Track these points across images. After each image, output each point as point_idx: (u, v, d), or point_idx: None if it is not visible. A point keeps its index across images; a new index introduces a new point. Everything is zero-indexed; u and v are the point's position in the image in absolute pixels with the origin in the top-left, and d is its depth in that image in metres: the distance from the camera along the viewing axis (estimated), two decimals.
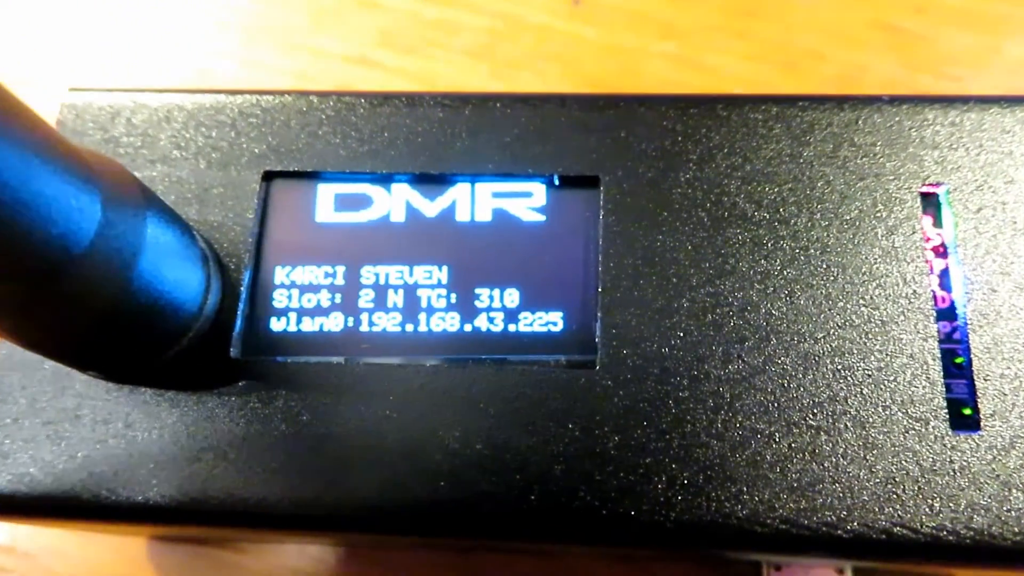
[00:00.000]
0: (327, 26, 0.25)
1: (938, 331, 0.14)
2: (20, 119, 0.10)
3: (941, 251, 0.15)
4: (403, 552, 0.19)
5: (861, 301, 0.14)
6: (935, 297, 0.14)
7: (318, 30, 0.25)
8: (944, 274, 0.15)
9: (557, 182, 0.16)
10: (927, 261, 0.15)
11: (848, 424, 0.14)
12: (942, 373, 0.14)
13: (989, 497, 0.13)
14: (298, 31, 0.25)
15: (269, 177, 0.16)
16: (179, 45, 0.25)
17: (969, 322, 0.14)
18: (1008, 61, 0.23)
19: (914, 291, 0.14)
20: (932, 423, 0.14)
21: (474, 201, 0.16)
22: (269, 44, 0.25)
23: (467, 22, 0.25)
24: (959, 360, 0.14)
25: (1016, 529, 0.13)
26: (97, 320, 0.13)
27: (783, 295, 0.14)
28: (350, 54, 0.25)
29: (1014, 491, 0.13)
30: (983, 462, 0.13)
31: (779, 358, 0.14)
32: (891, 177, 0.15)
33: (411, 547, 0.17)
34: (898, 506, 0.13)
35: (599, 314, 0.15)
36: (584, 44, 0.24)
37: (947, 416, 0.14)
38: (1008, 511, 0.13)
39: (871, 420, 0.14)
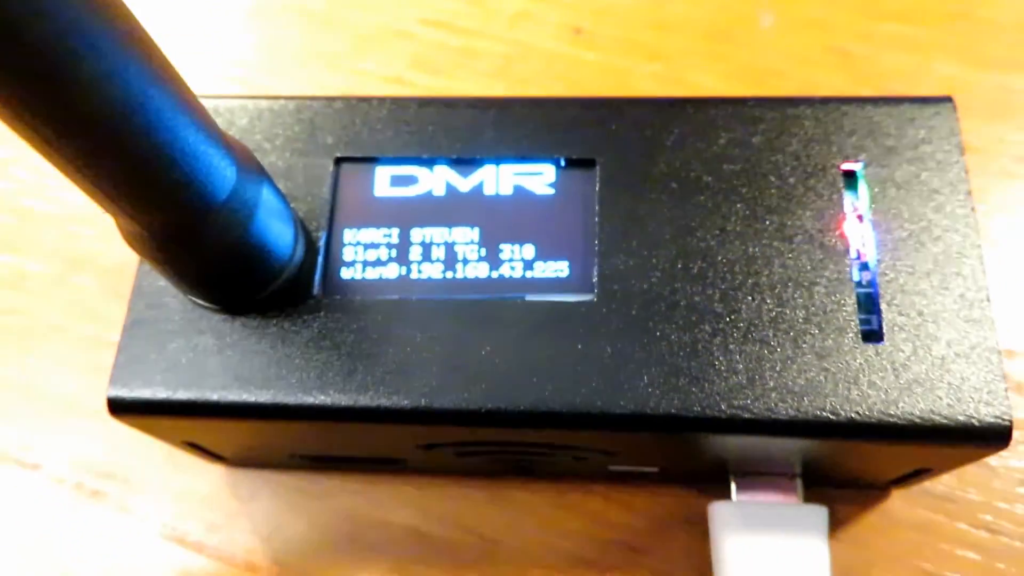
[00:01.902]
0: (367, 51, 0.30)
1: (856, 277, 0.19)
2: (191, 94, 0.15)
3: (858, 215, 0.19)
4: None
5: (798, 250, 0.19)
6: (855, 253, 0.19)
7: (359, 55, 0.30)
8: (861, 233, 0.19)
9: (563, 164, 0.20)
10: (846, 219, 0.19)
11: (786, 338, 0.18)
12: (856, 306, 0.18)
13: (885, 388, 0.17)
14: (342, 55, 0.30)
15: (339, 162, 0.21)
16: (241, 66, 0.30)
17: (879, 270, 0.18)
18: (937, 77, 0.28)
19: (836, 245, 0.19)
20: (848, 336, 0.18)
21: (499, 179, 0.20)
22: (318, 65, 0.30)
23: (485, 48, 0.30)
24: (869, 295, 0.18)
25: (904, 410, 0.17)
26: (223, 258, 0.17)
27: (736, 244, 0.19)
28: (387, 75, 0.29)
29: (902, 381, 0.17)
30: (884, 363, 0.18)
31: (732, 290, 0.18)
32: (820, 157, 0.20)
33: (451, 457, 0.21)
34: (822, 396, 0.17)
35: (596, 261, 0.19)
36: (584, 65, 0.29)
37: (859, 332, 0.18)
38: (898, 398, 0.17)
39: (804, 335, 0.18)
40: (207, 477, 0.24)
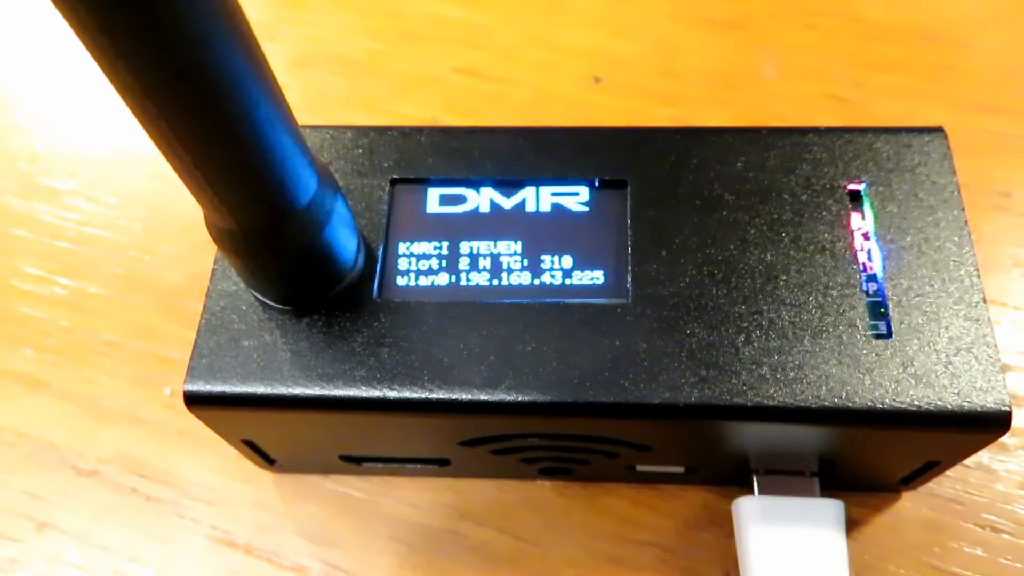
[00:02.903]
0: (405, 96, 0.33)
1: (865, 287, 0.21)
2: (288, 108, 0.17)
3: (865, 231, 0.21)
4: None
5: (811, 259, 0.21)
6: (862, 264, 0.21)
7: (398, 98, 0.32)
8: (867, 246, 0.21)
9: (597, 184, 0.22)
10: (854, 236, 0.21)
11: (803, 335, 0.20)
12: (866, 308, 0.20)
13: (894, 379, 0.19)
14: (382, 100, 0.32)
15: (394, 183, 0.23)
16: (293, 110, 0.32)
17: (885, 276, 0.21)
18: (925, 121, 0.30)
19: (845, 254, 0.21)
20: (860, 333, 0.20)
21: (538, 198, 0.22)
22: (361, 109, 0.32)
23: (512, 94, 0.32)
24: (878, 302, 0.20)
25: (912, 399, 0.19)
26: (298, 258, 0.19)
27: (755, 254, 0.21)
28: (423, 116, 0.32)
29: (910, 373, 0.19)
30: (893, 358, 0.19)
31: (753, 294, 0.20)
32: (827, 179, 0.22)
33: (490, 455, 0.23)
34: (838, 386, 0.19)
35: (629, 269, 0.21)
36: (603, 110, 0.32)
37: (870, 330, 0.20)
38: (907, 388, 0.19)
39: (820, 333, 0.20)
40: (257, 483, 0.26)
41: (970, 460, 0.25)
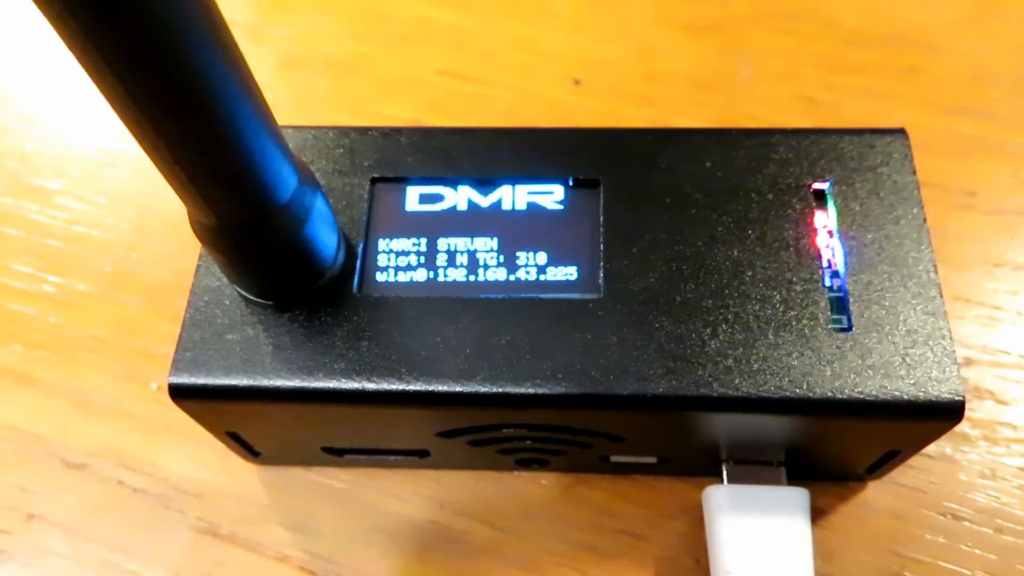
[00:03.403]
0: (389, 97, 0.33)
1: (827, 282, 0.21)
2: (268, 107, 0.18)
3: (828, 228, 0.22)
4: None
5: (776, 255, 0.22)
6: (825, 260, 0.22)
7: (382, 100, 0.33)
8: (830, 243, 0.22)
9: (571, 183, 0.23)
10: (818, 233, 0.22)
11: (767, 328, 0.21)
12: (828, 302, 0.21)
13: (854, 371, 0.20)
14: (366, 101, 0.33)
15: (374, 182, 0.23)
16: (276, 110, 0.33)
17: (847, 272, 0.21)
18: (894, 122, 0.31)
19: (809, 250, 0.22)
20: (822, 327, 0.21)
21: (514, 196, 0.23)
22: (345, 110, 0.33)
23: (494, 95, 0.33)
24: (840, 297, 0.21)
25: (871, 389, 0.20)
26: (279, 253, 0.20)
27: (722, 250, 0.22)
28: (407, 118, 0.33)
29: (869, 364, 0.20)
30: (853, 350, 0.20)
31: (720, 288, 0.21)
32: (793, 178, 0.23)
33: (467, 445, 0.24)
34: (800, 377, 0.20)
35: (601, 265, 0.22)
36: (583, 111, 0.33)
37: (831, 324, 0.21)
38: (866, 379, 0.20)
39: (783, 326, 0.21)
40: (241, 475, 0.26)
41: (933, 451, 0.25)
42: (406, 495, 0.26)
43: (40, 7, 0.13)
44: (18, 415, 0.27)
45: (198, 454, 0.26)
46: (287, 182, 0.19)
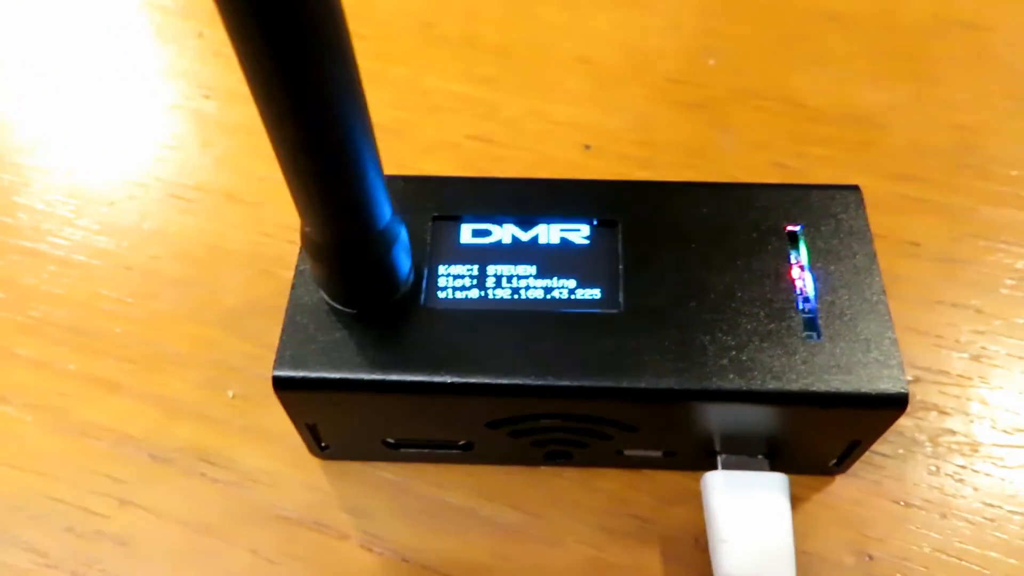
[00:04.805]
0: (427, 157, 0.39)
1: (800, 305, 0.27)
2: (378, 152, 0.23)
3: (800, 262, 0.28)
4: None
5: (760, 281, 0.27)
6: (798, 288, 0.27)
7: (422, 159, 0.39)
8: (802, 273, 0.28)
9: (595, 223, 0.29)
10: (792, 265, 0.28)
11: (755, 336, 0.26)
12: (801, 316, 0.27)
13: (823, 369, 0.25)
14: (408, 159, 0.39)
15: (435, 219, 0.29)
16: None
17: (817, 293, 0.27)
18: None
19: (786, 277, 0.27)
20: (796, 335, 0.26)
21: (549, 233, 0.29)
22: (392, 166, 0.38)
23: (516, 156, 0.39)
24: (810, 315, 0.27)
25: (835, 384, 0.25)
26: (370, 270, 0.25)
27: (718, 276, 0.27)
28: (444, 174, 0.38)
29: (834, 364, 0.25)
30: (821, 353, 0.26)
31: (715, 307, 0.27)
32: (771, 222, 0.28)
33: (504, 446, 0.28)
34: (780, 374, 0.25)
35: (621, 287, 0.27)
36: (592, 171, 0.38)
37: (804, 334, 0.26)
38: (832, 376, 0.25)
39: (767, 335, 0.26)
40: (308, 468, 0.31)
41: (889, 451, 0.31)
42: (450, 485, 0.30)
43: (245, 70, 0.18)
44: (112, 418, 0.32)
45: (270, 451, 0.31)
46: (384, 212, 0.24)
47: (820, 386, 0.25)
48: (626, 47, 0.43)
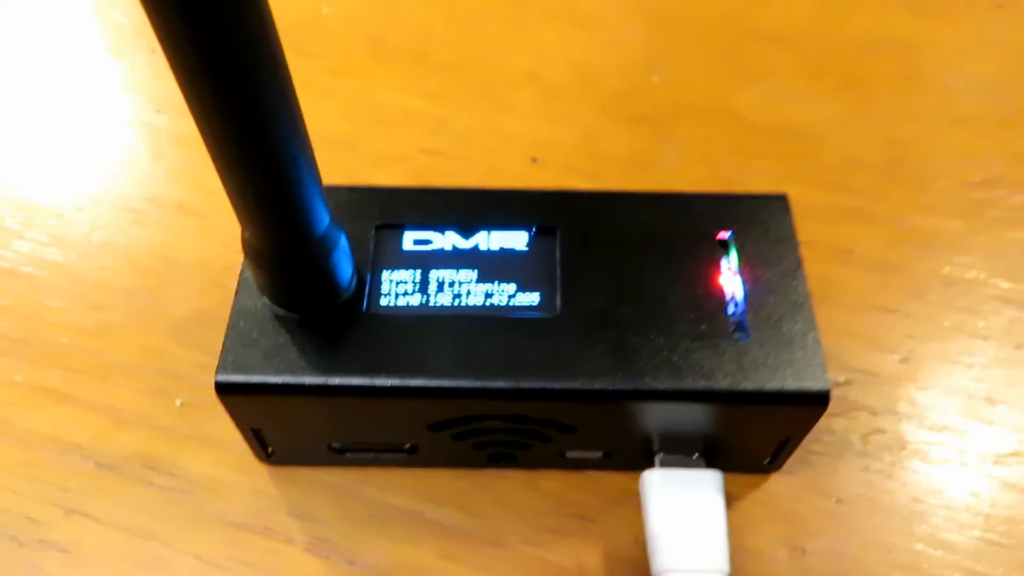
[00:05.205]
0: (378, 169, 0.40)
1: (729, 308, 0.28)
2: (315, 161, 0.24)
3: (730, 267, 0.29)
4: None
5: (692, 287, 0.28)
6: (728, 292, 0.28)
7: (372, 172, 0.40)
8: (732, 278, 0.29)
9: (534, 231, 0.30)
10: (722, 270, 0.29)
11: (686, 337, 0.27)
12: (731, 320, 0.28)
13: (750, 368, 0.26)
14: (359, 171, 0.39)
15: (378, 228, 0.30)
16: None
17: (745, 297, 0.28)
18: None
19: (716, 283, 0.28)
20: (726, 336, 0.27)
21: (490, 240, 0.29)
22: (342, 177, 0.39)
23: (465, 169, 0.40)
24: (739, 317, 0.28)
25: (761, 382, 0.26)
26: (311, 275, 0.25)
27: (651, 282, 0.28)
28: (394, 185, 0.39)
29: (760, 363, 0.26)
30: (749, 353, 0.27)
31: (648, 310, 0.28)
32: (703, 229, 0.30)
33: (445, 452, 0.29)
34: (710, 373, 0.26)
35: (558, 292, 0.28)
36: (538, 183, 0.39)
37: (733, 334, 0.27)
38: (759, 374, 0.26)
39: (698, 336, 0.27)
40: (254, 474, 0.31)
41: (820, 450, 0.32)
42: (396, 489, 0.31)
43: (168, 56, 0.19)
44: (58, 427, 0.32)
45: (217, 457, 0.31)
46: (322, 219, 0.25)
47: (748, 384, 0.26)
48: (573, 63, 0.45)
